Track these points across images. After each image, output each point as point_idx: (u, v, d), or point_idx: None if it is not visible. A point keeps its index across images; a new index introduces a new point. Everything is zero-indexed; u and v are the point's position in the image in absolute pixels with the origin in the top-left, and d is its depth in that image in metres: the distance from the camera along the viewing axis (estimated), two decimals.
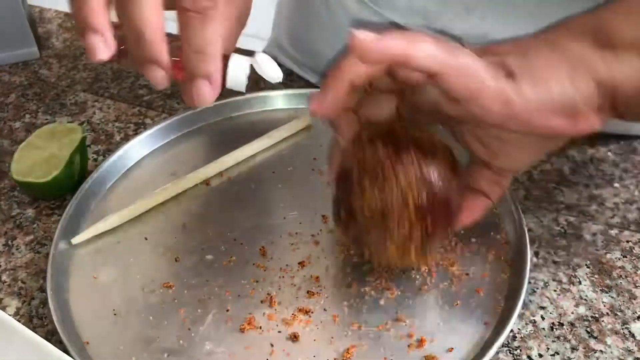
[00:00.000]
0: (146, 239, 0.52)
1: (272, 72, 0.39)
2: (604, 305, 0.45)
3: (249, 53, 0.39)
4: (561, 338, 0.44)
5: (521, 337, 0.44)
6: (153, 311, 0.46)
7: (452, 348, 0.43)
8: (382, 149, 0.39)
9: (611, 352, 0.42)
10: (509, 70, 0.36)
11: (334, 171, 0.43)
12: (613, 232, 0.50)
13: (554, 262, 0.48)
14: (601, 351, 0.43)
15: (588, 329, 0.44)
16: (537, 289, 0.47)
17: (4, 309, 0.46)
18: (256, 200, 0.54)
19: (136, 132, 0.60)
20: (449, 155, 0.41)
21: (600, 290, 0.46)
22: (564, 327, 0.44)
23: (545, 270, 0.48)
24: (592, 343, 0.43)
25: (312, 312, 0.45)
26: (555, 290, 0.46)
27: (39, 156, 0.53)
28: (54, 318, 0.44)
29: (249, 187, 0.55)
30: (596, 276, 0.47)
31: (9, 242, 0.52)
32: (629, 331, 0.44)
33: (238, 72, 0.38)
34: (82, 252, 0.50)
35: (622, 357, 0.42)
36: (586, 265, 0.48)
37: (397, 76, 0.38)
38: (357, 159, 0.40)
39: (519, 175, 0.54)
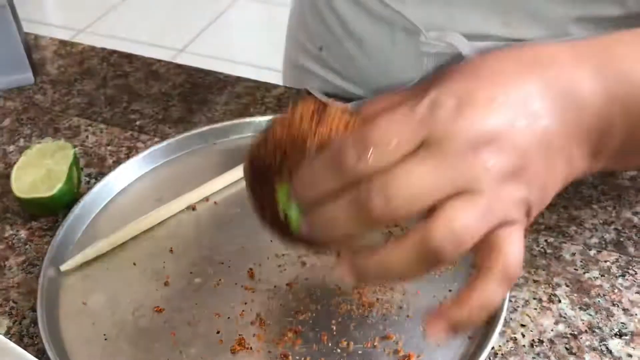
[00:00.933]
0: (135, 264, 0.52)
1: None
2: (583, 323, 0.46)
3: None
4: (541, 355, 0.45)
5: (502, 354, 0.45)
6: (144, 335, 0.47)
7: None
8: None
9: None
10: (528, 208, 0.35)
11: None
12: (591, 252, 0.51)
13: (535, 281, 0.49)
14: None
15: (567, 346, 0.45)
16: (518, 307, 0.48)
17: None
18: (242, 224, 0.55)
19: (128, 156, 0.62)
20: None
21: (579, 308, 0.47)
22: (544, 344, 0.45)
23: (526, 289, 0.49)
24: None
25: (301, 332, 0.46)
26: (535, 309, 0.48)
27: (38, 173, 0.55)
28: (44, 339, 0.45)
29: (235, 211, 0.56)
30: (575, 295, 0.48)
31: (1, 263, 0.53)
32: (607, 348, 0.45)
33: None
34: (71, 279, 0.51)
35: None
36: (565, 284, 0.49)
37: None
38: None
39: None
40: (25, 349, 0.42)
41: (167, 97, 0.69)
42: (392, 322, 0.47)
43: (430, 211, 0.33)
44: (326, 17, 0.66)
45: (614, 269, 0.50)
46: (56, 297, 0.50)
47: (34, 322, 0.47)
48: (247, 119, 0.63)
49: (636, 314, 0.47)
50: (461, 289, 0.35)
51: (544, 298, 0.48)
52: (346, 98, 0.65)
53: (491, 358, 0.45)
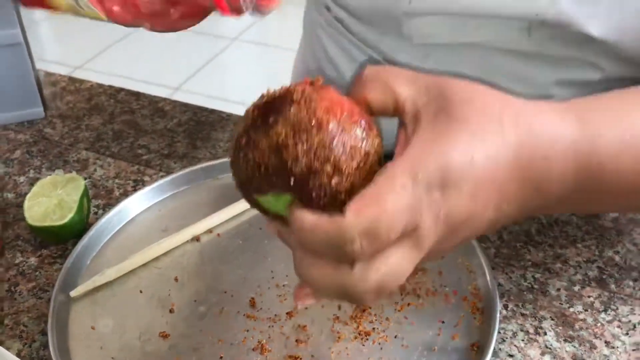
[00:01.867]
0: (141, 291, 0.55)
1: None
2: (567, 354, 0.49)
3: None
4: None
5: None
6: (150, 359, 0.49)
7: None
8: None
9: None
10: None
11: None
12: (576, 287, 0.54)
13: (522, 314, 0.52)
14: None
15: None
16: (507, 338, 0.50)
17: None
18: (244, 255, 0.58)
19: (135, 189, 0.65)
20: None
21: (564, 340, 0.50)
22: None
23: (514, 322, 0.52)
24: None
25: (300, 358, 0.49)
26: (522, 340, 0.50)
27: (50, 203, 0.57)
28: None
29: (237, 243, 0.59)
30: (560, 328, 0.51)
31: (12, 288, 0.55)
32: None
33: None
34: (80, 304, 0.53)
35: None
36: (551, 317, 0.52)
37: None
38: None
39: (490, 236, 0.59)
40: None
41: (172, 134, 0.72)
42: (388, 351, 0.49)
43: None
44: (324, 67, 0.71)
45: (596, 304, 0.53)
46: (66, 322, 0.52)
47: (44, 346, 0.49)
48: None
49: (617, 347, 0.50)
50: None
51: (531, 330, 0.51)
52: None
53: None
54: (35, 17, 2.62)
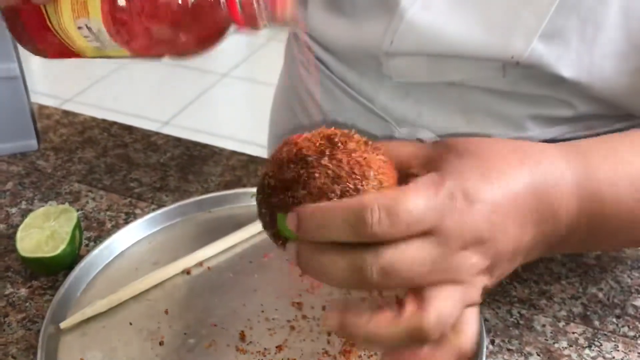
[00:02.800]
0: (131, 323, 0.55)
1: None
2: None
3: None
4: None
5: None
6: None
7: None
8: None
9: None
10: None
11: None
12: (560, 324, 0.55)
13: (508, 350, 0.53)
14: None
15: None
16: None
17: None
18: (235, 288, 0.58)
19: (126, 221, 0.65)
20: None
21: None
22: None
23: (500, 357, 0.52)
24: None
25: None
26: None
27: (42, 234, 0.58)
28: None
29: (228, 276, 0.60)
30: None
31: (1, 319, 0.55)
32: None
33: None
34: (70, 336, 0.53)
35: None
36: (537, 353, 0.53)
37: None
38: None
39: None
40: None
41: (164, 167, 0.73)
42: None
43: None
44: (306, 104, 0.73)
45: (581, 340, 0.54)
46: (55, 353, 0.51)
47: None
48: (241, 190, 0.68)
49: None
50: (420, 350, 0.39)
51: None
52: None
53: None
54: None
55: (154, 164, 0.74)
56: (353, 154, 0.39)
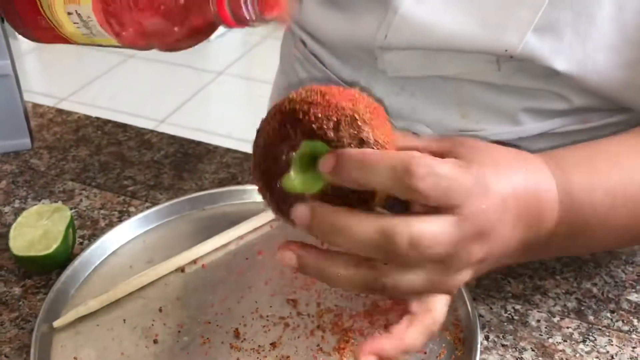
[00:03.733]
0: (125, 321, 0.55)
1: None
2: None
3: None
4: None
5: None
6: None
7: None
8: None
9: None
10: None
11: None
12: (555, 319, 0.55)
13: (503, 345, 0.53)
14: None
15: None
16: None
17: None
18: (229, 286, 0.58)
19: (120, 220, 0.65)
20: None
21: None
22: None
23: (495, 353, 0.52)
24: None
25: None
26: None
27: (35, 233, 0.57)
28: None
29: (222, 274, 0.59)
30: (540, 358, 0.52)
31: None
32: None
33: None
34: (63, 334, 0.53)
35: None
36: (531, 348, 0.53)
37: None
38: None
39: None
40: None
41: (158, 165, 0.73)
42: None
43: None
44: None
45: (575, 335, 0.54)
46: (48, 352, 0.51)
47: None
48: (235, 187, 0.67)
49: None
50: (394, 327, 0.40)
51: None
52: None
53: None
54: (22, 48, 2.63)
55: (148, 162, 0.73)
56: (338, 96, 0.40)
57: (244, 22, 0.40)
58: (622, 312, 0.56)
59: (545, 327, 0.54)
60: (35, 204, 0.66)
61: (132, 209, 0.67)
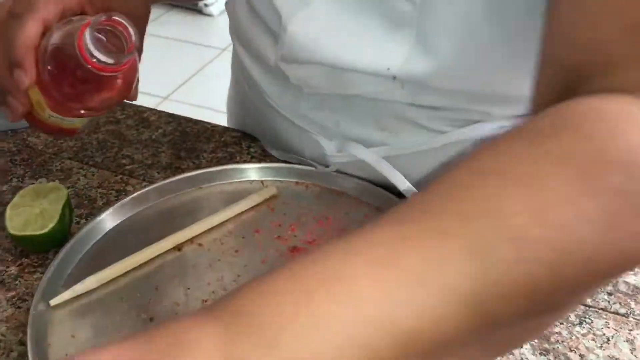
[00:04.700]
0: (122, 299, 0.55)
1: None
2: None
3: None
4: None
5: None
6: None
7: None
8: None
9: None
10: None
11: None
12: None
13: None
14: None
15: None
16: None
17: None
18: (225, 264, 0.58)
19: (117, 198, 0.65)
20: None
21: (540, 353, 0.51)
22: None
23: None
24: None
25: None
26: None
27: (31, 212, 0.57)
28: None
29: (219, 252, 0.59)
30: (536, 341, 0.52)
31: None
32: None
33: None
34: (60, 313, 0.53)
35: None
36: None
37: None
38: None
39: None
40: None
41: (156, 144, 0.73)
42: None
43: None
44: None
45: (572, 318, 0.54)
46: (45, 331, 0.52)
47: (22, 355, 0.49)
48: (232, 166, 0.67)
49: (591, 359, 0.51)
50: None
51: None
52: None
53: None
54: None
55: (145, 141, 0.73)
56: None
57: (108, 66, 0.47)
58: (620, 295, 0.56)
59: None
60: (33, 183, 0.66)
61: (129, 187, 0.67)
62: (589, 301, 0.55)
